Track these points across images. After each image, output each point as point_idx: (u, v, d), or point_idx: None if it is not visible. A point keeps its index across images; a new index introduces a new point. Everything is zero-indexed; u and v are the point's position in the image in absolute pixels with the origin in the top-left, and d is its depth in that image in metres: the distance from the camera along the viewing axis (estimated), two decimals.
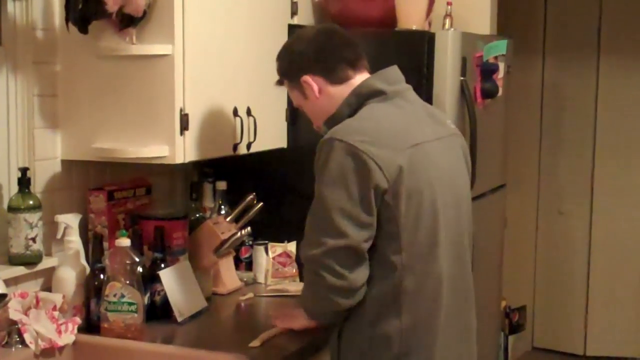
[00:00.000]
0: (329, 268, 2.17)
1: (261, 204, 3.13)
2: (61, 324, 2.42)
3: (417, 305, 2.19)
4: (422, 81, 3.11)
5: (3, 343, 2.34)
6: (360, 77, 2.33)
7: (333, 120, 2.29)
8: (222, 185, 3.26)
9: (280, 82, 2.50)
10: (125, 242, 2.51)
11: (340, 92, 2.32)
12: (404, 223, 2.15)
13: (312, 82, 2.34)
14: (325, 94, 2.34)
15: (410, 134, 2.23)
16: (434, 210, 2.20)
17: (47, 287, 2.62)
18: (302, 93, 2.38)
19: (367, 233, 2.15)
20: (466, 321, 2.37)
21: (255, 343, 2.47)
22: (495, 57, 3.54)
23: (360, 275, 2.18)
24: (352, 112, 2.28)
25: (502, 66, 3.61)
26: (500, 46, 3.54)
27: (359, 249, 2.16)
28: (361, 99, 2.29)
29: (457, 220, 2.29)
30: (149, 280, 2.68)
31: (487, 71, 3.46)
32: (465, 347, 2.36)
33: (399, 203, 2.14)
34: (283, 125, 3.25)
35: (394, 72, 2.37)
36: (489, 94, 3.47)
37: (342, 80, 2.33)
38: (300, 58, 2.37)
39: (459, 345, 2.32)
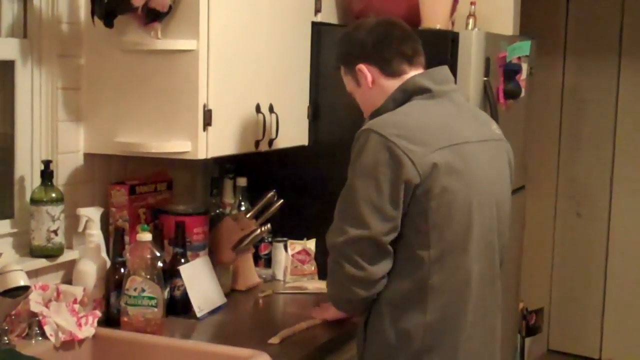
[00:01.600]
0: (348, 258, 2.18)
1: (281, 201, 3.13)
2: (81, 317, 2.43)
3: (443, 303, 2.19)
4: None
5: (24, 335, 2.34)
6: (414, 73, 2.33)
7: (377, 113, 2.29)
8: (242, 181, 3.26)
9: (336, 68, 2.50)
10: (146, 236, 2.52)
11: (392, 85, 2.32)
12: (434, 219, 2.15)
13: (366, 71, 2.35)
14: (377, 85, 2.35)
15: (450, 133, 2.22)
16: (468, 210, 2.19)
17: (68, 280, 2.62)
18: (355, 80, 2.40)
19: (390, 226, 2.15)
20: (492, 324, 2.35)
21: (275, 340, 2.47)
22: (519, 58, 3.53)
23: (381, 268, 2.19)
24: (397, 108, 2.28)
25: (524, 67, 3.59)
26: (524, 47, 3.52)
27: (380, 241, 2.16)
28: (407, 95, 2.29)
29: (491, 223, 2.28)
30: (169, 275, 2.68)
31: (510, 72, 3.44)
32: (489, 350, 2.34)
33: (430, 199, 2.14)
34: (305, 123, 3.25)
35: (442, 71, 2.37)
36: (512, 95, 3.46)
37: (396, 73, 2.33)
38: (358, 46, 2.38)
39: (483, 347, 2.31)
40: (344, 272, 2.20)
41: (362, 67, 2.36)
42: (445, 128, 2.23)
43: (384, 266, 2.19)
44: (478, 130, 2.32)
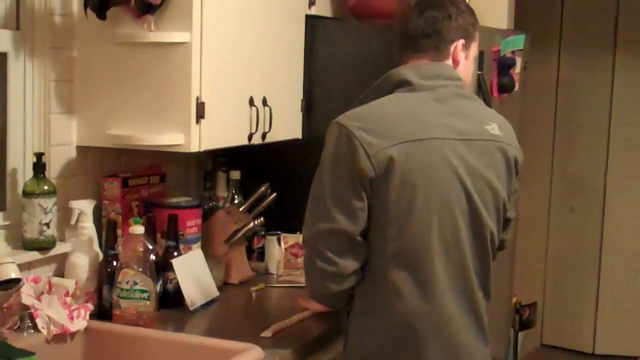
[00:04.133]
0: (319, 253, 2.17)
1: (274, 194, 3.13)
2: (73, 310, 2.43)
3: (404, 302, 2.16)
4: None
5: (15, 328, 2.34)
6: (415, 63, 2.30)
7: (362, 101, 2.28)
8: (235, 174, 3.26)
9: None
10: (139, 229, 2.51)
11: None
12: (392, 213, 2.13)
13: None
14: None
15: (419, 128, 2.17)
16: (427, 207, 2.14)
17: (60, 273, 2.62)
18: None
19: (357, 218, 2.14)
20: (476, 318, 2.27)
21: (267, 333, 2.47)
22: (512, 52, 3.53)
23: (352, 261, 2.17)
24: (379, 97, 2.25)
25: (518, 61, 3.59)
26: (518, 41, 3.53)
27: (349, 234, 2.14)
28: (389, 85, 2.27)
29: (460, 223, 2.19)
30: (162, 268, 2.68)
31: (504, 66, 3.45)
32: (476, 345, 2.29)
33: (388, 193, 2.12)
34: (298, 116, 3.25)
35: (436, 67, 2.29)
36: (506, 88, 3.46)
37: (400, 62, 2.33)
38: None
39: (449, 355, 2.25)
40: (316, 267, 2.19)
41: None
42: (414, 122, 2.18)
43: (356, 259, 2.18)
44: (462, 128, 2.23)
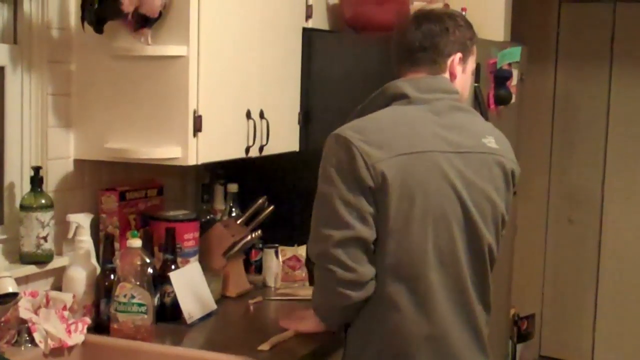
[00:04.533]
0: (338, 261, 2.14)
1: (272, 207, 3.13)
2: (71, 324, 2.42)
3: (401, 314, 2.16)
4: None
5: (13, 342, 2.33)
6: (412, 76, 2.31)
7: (359, 113, 2.29)
8: (233, 187, 3.26)
9: None
10: (136, 242, 2.51)
11: None
12: (391, 226, 2.13)
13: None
14: None
15: (415, 140, 2.18)
16: (424, 219, 2.15)
17: (58, 287, 2.62)
18: None
19: (370, 224, 2.13)
20: (474, 331, 2.26)
21: (264, 347, 2.46)
22: (509, 64, 3.53)
23: (369, 268, 2.16)
24: (377, 109, 2.26)
25: (515, 73, 3.60)
26: (514, 53, 3.53)
27: (366, 240, 2.14)
28: (386, 98, 2.28)
29: (456, 235, 2.19)
30: (159, 281, 2.67)
31: (501, 78, 3.46)
32: (475, 358, 2.29)
33: (387, 206, 2.12)
34: (295, 129, 3.25)
35: (432, 81, 2.30)
36: (502, 100, 3.47)
37: (399, 76, 2.34)
38: None
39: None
40: (335, 277, 2.15)
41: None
42: (411, 135, 2.18)
43: (372, 265, 2.17)
44: (458, 141, 2.23)
